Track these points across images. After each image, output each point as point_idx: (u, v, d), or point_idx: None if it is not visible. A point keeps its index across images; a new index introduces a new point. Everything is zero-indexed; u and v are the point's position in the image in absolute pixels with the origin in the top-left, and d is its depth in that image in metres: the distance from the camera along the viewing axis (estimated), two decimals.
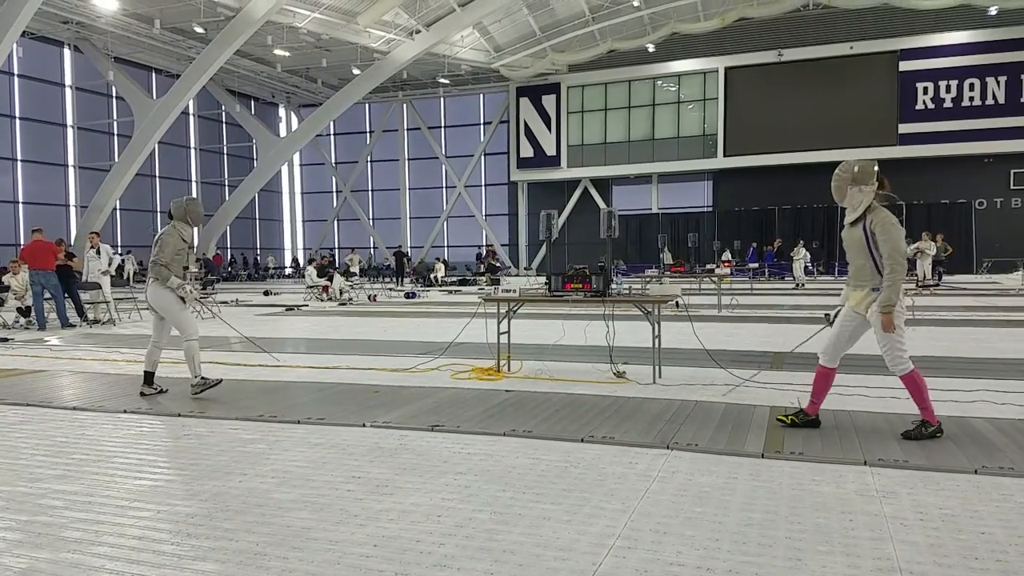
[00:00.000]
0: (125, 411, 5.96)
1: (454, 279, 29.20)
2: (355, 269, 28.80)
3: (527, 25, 31.45)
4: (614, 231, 7.37)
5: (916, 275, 18.94)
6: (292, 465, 4.36)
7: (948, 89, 29.65)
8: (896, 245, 4.61)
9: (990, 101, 29.26)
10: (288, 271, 40.00)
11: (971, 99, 29.44)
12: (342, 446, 4.77)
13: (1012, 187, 29.80)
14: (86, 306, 13.60)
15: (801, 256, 22.87)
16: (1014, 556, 2.97)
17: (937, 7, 27.53)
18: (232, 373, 7.75)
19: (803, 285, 22.10)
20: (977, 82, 29.30)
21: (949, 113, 29.59)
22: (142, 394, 6.48)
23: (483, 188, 38.98)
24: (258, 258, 40.22)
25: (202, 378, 6.40)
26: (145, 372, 6.58)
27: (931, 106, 29.86)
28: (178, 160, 36.20)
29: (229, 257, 38.17)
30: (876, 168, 4.77)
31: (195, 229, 6.63)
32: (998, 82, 29.06)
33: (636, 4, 29.17)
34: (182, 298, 6.41)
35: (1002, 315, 12.74)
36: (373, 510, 3.57)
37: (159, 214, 35.00)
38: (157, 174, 34.73)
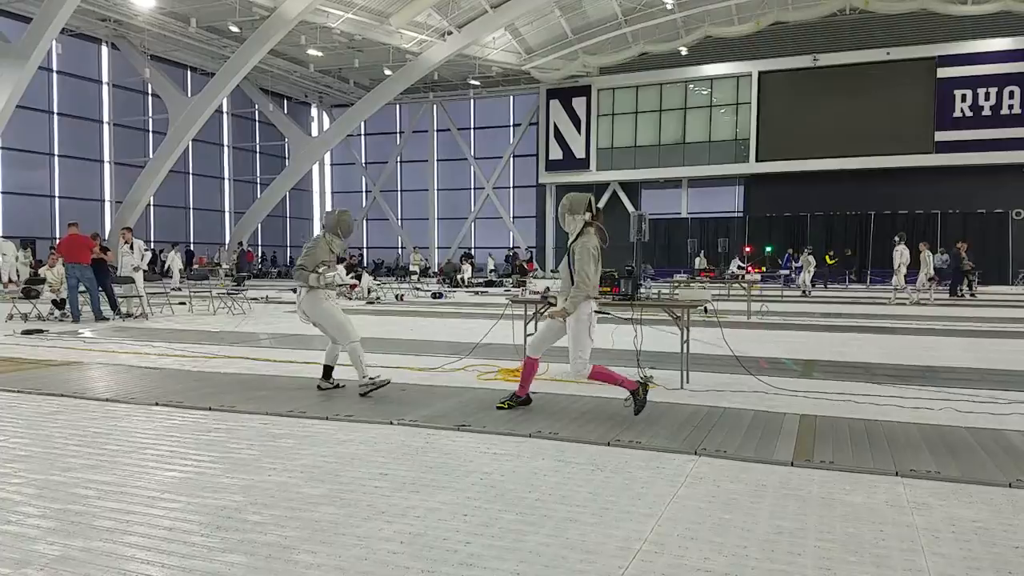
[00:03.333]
0: (157, 403, 6.05)
1: (481, 280, 29.24)
2: (415, 268, 28.30)
3: (559, 27, 31.42)
4: (644, 235, 7.34)
5: (897, 286, 18.57)
6: (321, 460, 4.40)
7: (987, 97, 29.04)
8: (583, 267, 5.29)
9: None
10: None
11: (1010, 107, 28.80)
12: (370, 443, 4.80)
13: None
14: (119, 300, 13.85)
15: (811, 265, 22.73)
16: None
17: (977, 13, 26.98)
18: (260, 369, 7.84)
19: (809, 293, 21.90)
20: (1017, 90, 28.66)
21: (988, 121, 28.96)
22: (319, 387, 6.51)
23: (511, 190, 39.02)
24: (291, 256, 40.68)
25: (370, 379, 6.32)
26: (324, 366, 6.59)
27: (969, 114, 29.27)
28: (211, 157, 36.76)
29: (260, 254, 38.66)
30: (589, 201, 5.51)
31: (346, 240, 6.59)
32: None
33: (669, 7, 29.00)
34: (327, 286, 6.30)
35: None
36: (400, 507, 3.59)
37: (192, 211, 35.58)
38: (191, 171, 35.29)
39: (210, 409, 5.83)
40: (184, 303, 16.20)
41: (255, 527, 3.33)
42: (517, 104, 38.33)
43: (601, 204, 35.27)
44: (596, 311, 5.60)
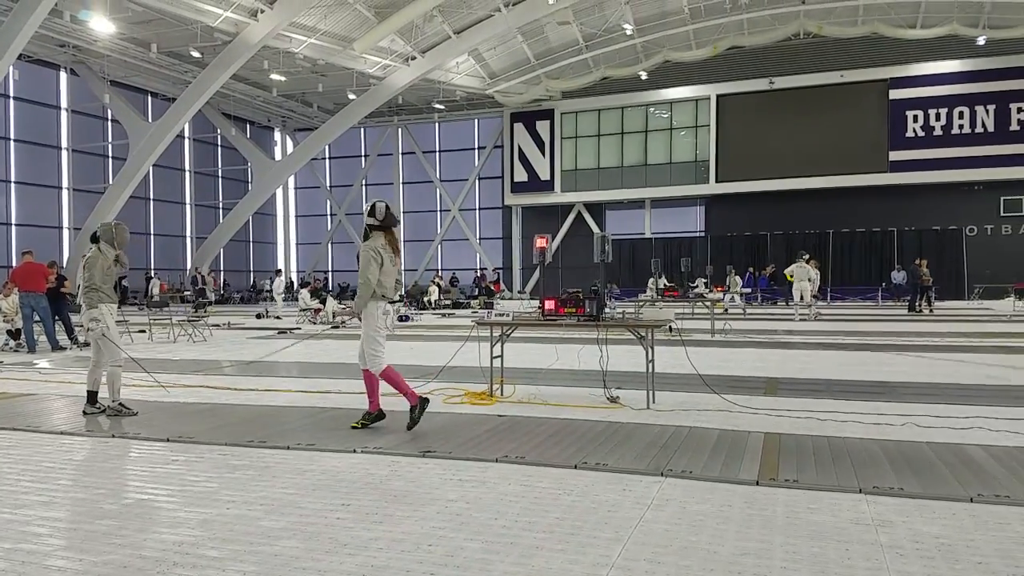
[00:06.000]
0: (113, 436, 5.88)
1: (448, 302, 29.12)
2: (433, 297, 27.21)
3: (521, 52, 31.76)
4: (608, 255, 7.39)
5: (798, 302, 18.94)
6: (281, 492, 4.30)
7: (938, 117, 29.94)
8: (363, 271, 5.73)
9: (979, 129, 29.54)
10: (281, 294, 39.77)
11: (960, 127, 29.72)
12: (332, 472, 4.71)
13: (1002, 214, 30.01)
14: (76, 329, 13.48)
15: (737, 285, 22.97)
16: None
17: (925, 37, 27.94)
18: (222, 397, 7.68)
19: (744, 311, 21.94)
20: (966, 110, 29.62)
21: (939, 141, 29.85)
22: (84, 412, 6.70)
23: (477, 212, 39.09)
24: (255, 280, 40.08)
25: (120, 404, 6.65)
26: (88, 392, 6.78)
27: (921, 134, 30.13)
28: (172, 183, 36.23)
29: (223, 280, 38.07)
30: (373, 205, 5.90)
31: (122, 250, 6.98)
32: (987, 110, 29.39)
33: (629, 32, 29.51)
34: (93, 328, 6.64)
35: (995, 341, 12.76)
36: (363, 539, 3.51)
37: (153, 236, 34.98)
38: (151, 197, 34.73)
39: (167, 440, 5.68)
40: (144, 331, 15.84)
41: (213, 563, 3.23)
42: (482, 127, 38.53)
43: (566, 225, 35.85)
44: (401, 310, 6.10)
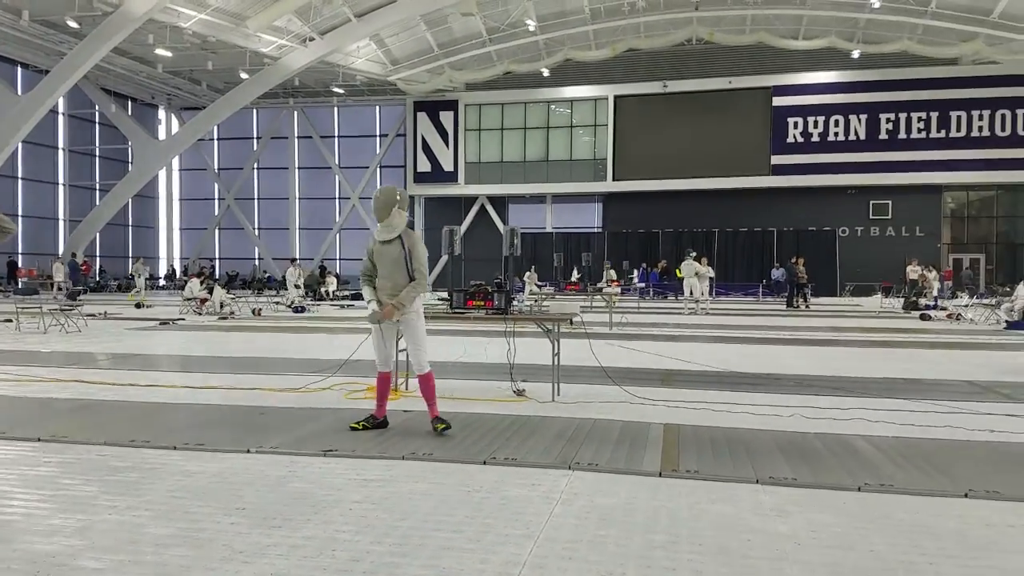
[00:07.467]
0: None
1: (346, 293, 28.39)
2: (298, 283, 24.05)
3: (425, 41, 31.35)
4: (517, 248, 7.38)
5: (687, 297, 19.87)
6: (168, 496, 4.00)
7: (816, 124, 31.96)
8: (423, 261, 5.38)
9: (852, 137, 31.74)
10: (162, 282, 37.57)
11: (836, 134, 31.85)
12: (224, 474, 4.43)
13: (871, 217, 32.39)
14: None
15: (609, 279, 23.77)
16: (902, 575, 3.08)
17: (807, 48, 29.67)
18: (99, 393, 7.13)
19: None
20: (841, 119, 31.75)
21: (816, 147, 31.89)
22: None
23: None
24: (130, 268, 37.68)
25: None
26: None
27: (800, 140, 32.09)
28: (44, 161, 33.54)
29: (98, 266, 35.62)
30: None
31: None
32: (859, 119, 31.60)
33: (532, 28, 29.71)
34: None
35: (866, 336, 13.69)
36: (260, 545, 3.30)
37: (21, 218, 32.27)
38: (20, 176, 32.06)
39: (39, 440, 5.19)
40: (10, 320, 14.56)
41: (92, 575, 2.95)
42: (384, 114, 37.79)
43: (470, 217, 35.80)
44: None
